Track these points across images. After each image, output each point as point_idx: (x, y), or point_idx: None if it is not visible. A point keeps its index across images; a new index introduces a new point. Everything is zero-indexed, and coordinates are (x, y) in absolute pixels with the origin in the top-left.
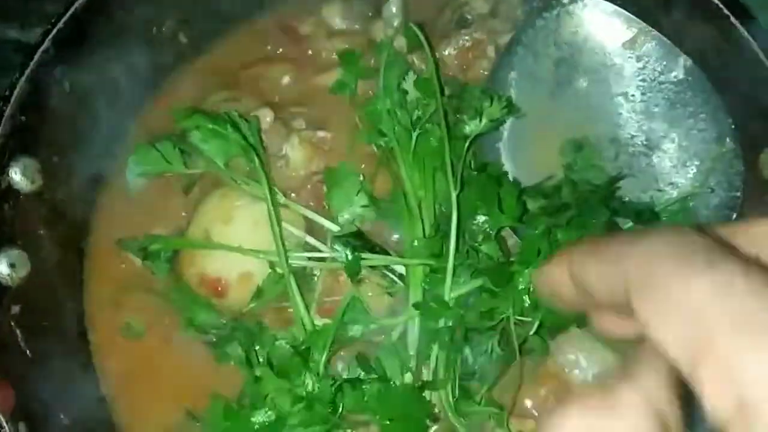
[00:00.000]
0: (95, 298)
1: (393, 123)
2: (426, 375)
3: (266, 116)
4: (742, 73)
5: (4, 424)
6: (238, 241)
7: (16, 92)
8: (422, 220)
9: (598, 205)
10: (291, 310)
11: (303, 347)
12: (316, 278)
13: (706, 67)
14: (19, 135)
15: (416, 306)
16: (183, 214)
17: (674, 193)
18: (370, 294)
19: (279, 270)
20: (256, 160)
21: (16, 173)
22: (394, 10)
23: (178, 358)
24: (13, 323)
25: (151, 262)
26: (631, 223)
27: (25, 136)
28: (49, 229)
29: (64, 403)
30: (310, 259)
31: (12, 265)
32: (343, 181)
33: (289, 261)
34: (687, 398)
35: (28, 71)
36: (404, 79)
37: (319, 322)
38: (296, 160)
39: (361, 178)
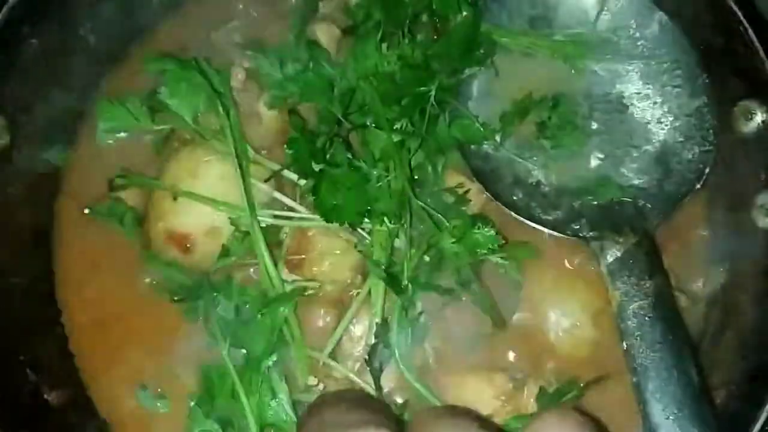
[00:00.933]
0: (64, 257)
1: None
2: None
3: (238, 74)
4: (716, 27)
5: None
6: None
7: None
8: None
9: None
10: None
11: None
12: (284, 235)
13: (680, 22)
14: None
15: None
16: (152, 174)
17: (649, 148)
18: (338, 252)
19: (244, 228)
20: (222, 111)
21: None
22: None
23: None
24: None
25: (119, 222)
26: None
27: None
28: (16, 187)
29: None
30: (278, 217)
31: None
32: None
33: (258, 217)
34: None
35: None
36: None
37: (288, 278)
38: (268, 118)
39: None
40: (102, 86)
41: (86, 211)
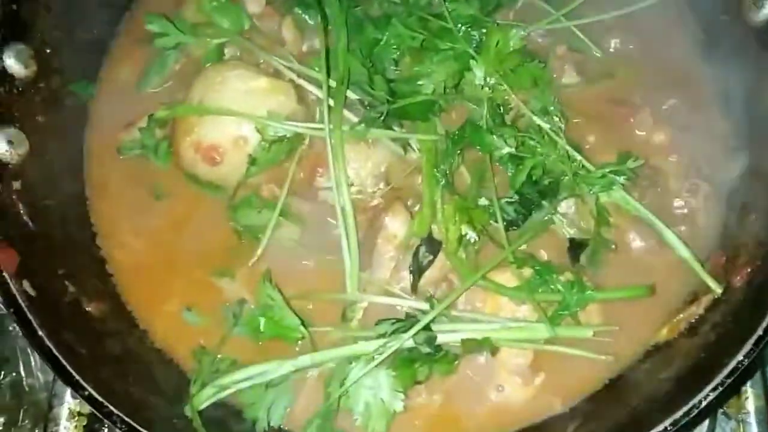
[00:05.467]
0: (96, 184)
1: None
2: None
3: (260, 1)
4: None
5: (9, 280)
6: (232, 108)
7: None
8: None
9: None
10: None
11: None
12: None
13: None
14: (10, 22)
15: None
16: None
17: None
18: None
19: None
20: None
21: (9, 57)
22: None
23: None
24: (14, 197)
25: (154, 153)
26: None
27: (17, 24)
28: (47, 116)
29: (69, 271)
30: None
31: (10, 143)
32: None
33: (281, 127)
34: None
35: None
36: None
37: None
38: (290, 40)
39: None
40: (123, 22)
41: (118, 153)
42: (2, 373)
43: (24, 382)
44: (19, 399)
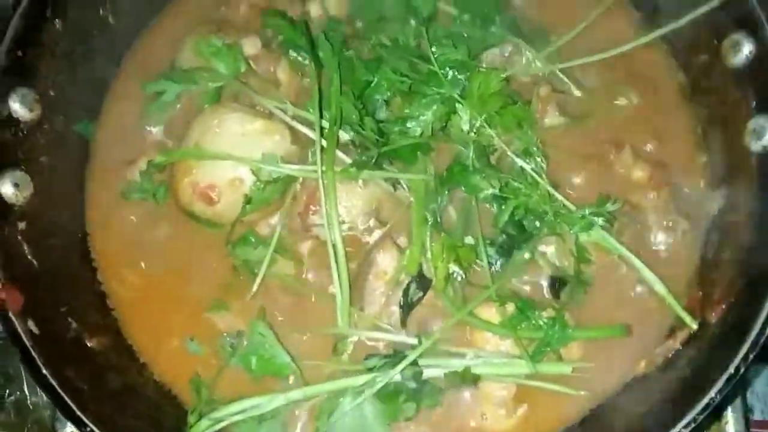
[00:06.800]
0: (97, 221)
1: None
2: None
3: (255, 43)
4: None
5: (15, 320)
6: (228, 151)
7: (10, 29)
8: None
9: None
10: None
11: None
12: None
13: None
14: (16, 68)
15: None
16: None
17: None
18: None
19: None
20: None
21: (15, 102)
22: None
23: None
24: (20, 237)
25: (153, 197)
26: None
27: (22, 69)
28: (50, 156)
29: (71, 308)
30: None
31: (16, 185)
32: None
33: (275, 168)
34: None
35: (20, 10)
36: None
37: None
38: (285, 82)
39: None
40: (123, 62)
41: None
42: (7, 391)
43: (28, 401)
44: (24, 417)
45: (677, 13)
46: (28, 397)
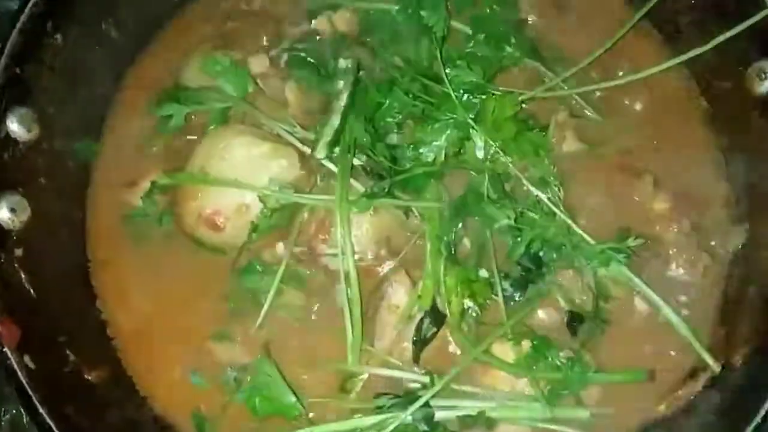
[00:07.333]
0: (97, 247)
1: None
2: None
3: (263, 62)
4: None
5: (10, 355)
6: (234, 176)
7: (8, 45)
8: None
9: None
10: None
11: None
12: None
13: None
14: (14, 86)
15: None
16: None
17: None
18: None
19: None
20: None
21: (13, 122)
22: None
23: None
24: (17, 265)
25: (158, 223)
26: None
27: (20, 87)
28: (49, 178)
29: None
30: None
31: (13, 210)
32: None
33: (283, 194)
34: None
35: (19, 24)
36: None
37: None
38: (293, 101)
39: None
40: (125, 78)
41: (122, 219)
42: (2, 410)
43: (24, 420)
44: None
45: (700, 37)
46: (24, 417)
